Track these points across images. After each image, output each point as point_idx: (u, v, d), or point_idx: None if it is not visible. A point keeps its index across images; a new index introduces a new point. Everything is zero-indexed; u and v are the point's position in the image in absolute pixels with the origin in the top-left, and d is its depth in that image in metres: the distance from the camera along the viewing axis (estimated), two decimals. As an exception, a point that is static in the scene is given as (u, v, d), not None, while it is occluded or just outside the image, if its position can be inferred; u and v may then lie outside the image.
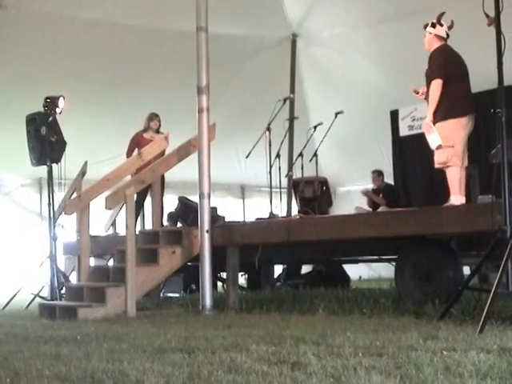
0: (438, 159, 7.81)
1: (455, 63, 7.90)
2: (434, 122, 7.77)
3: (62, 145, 10.37)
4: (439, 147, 7.72)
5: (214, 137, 9.73)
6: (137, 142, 11.67)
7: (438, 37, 7.98)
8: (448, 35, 8.01)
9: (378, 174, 14.39)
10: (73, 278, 11.08)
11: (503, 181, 6.01)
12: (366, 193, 14.35)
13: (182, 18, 11.49)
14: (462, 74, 7.89)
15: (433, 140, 7.78)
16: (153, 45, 13.86)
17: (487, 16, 6.23)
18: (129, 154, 11.59)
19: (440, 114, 7.75)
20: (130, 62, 13.95)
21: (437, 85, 7.73)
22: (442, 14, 7.95)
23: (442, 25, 7.96)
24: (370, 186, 14.58)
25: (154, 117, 11.83)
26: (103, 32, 13.18)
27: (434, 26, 7.96)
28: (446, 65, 7.81)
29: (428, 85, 7.95)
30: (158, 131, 11.78)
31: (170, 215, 12.59)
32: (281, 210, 11.56)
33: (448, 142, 7.67)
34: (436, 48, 7.96)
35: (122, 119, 14.81)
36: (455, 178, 7.69)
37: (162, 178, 11.28)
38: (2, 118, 13.69)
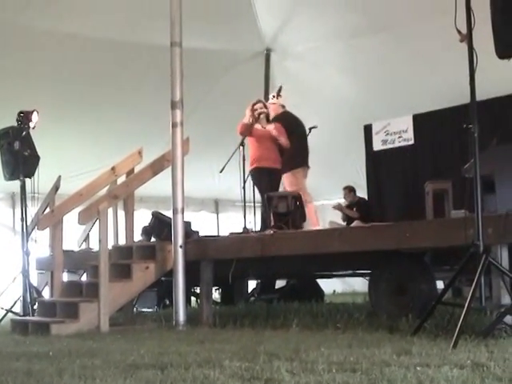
0: None
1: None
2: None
3: (35, 159, 10.31)
4: None
5: (188, 151, 9.72)
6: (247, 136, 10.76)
7: (281, 105, 11.18)
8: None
9: (349, 190, 14.48)
10: (46, 294, 11.00)
11: (476, 195, 6.04)
12: (338, 207, 14.38)
13: (156, 32, 11.47)
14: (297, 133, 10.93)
15: None
16: (128, 59, 13.82)
17: (459, 32, 6.27)
18: None
19: None
20: (104, 75, 13.90)
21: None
22: (280, 88, 11.31)
23: (281, 96, 11.12)
24: (343, 201, 14.62)
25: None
26: (78, 46, 13.11)
27: (276, 97, 11.19)
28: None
29: None
30: (268, 119, 11.05)
31: (144, 229, 12.53)
32: (255, 225, 11.53)
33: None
34: (280, 113, 11.16)
35: (97, 133, 14.78)
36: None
37: None
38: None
